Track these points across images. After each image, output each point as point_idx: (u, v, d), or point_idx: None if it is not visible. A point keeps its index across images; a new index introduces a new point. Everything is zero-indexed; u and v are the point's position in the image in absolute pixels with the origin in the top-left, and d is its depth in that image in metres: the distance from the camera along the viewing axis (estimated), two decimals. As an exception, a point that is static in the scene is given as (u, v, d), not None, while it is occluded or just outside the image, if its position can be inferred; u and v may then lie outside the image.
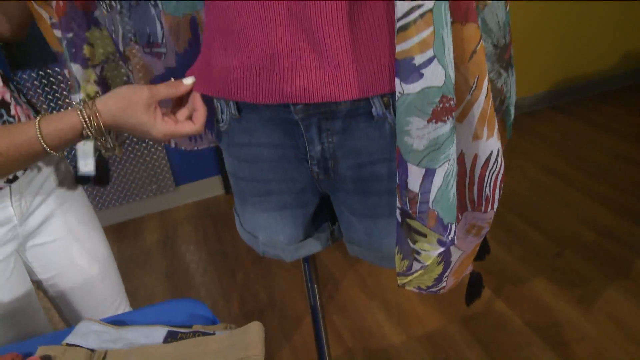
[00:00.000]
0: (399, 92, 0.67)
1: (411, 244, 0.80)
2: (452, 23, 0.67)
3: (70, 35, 0.96)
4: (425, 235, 0.78)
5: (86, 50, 0.98)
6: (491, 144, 0.76)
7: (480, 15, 0.76)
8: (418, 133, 0.69)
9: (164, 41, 0.91)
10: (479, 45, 0.69)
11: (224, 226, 2.57)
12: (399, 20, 0.63)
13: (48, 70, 2.27)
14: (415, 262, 0.82)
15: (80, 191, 1.14)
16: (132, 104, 0.79)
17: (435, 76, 0.65)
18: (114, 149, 0.85)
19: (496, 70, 0.82)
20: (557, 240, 2.12)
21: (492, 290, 1.92)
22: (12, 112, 0.95)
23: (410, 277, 0.86)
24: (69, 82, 1.02)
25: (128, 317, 0.87)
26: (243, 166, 0.92)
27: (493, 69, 0.82)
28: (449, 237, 0.78)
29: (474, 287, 1.07)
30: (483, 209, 0.83)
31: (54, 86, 2.30)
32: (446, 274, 0.88)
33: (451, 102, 0.68)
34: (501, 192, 0.82)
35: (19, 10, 0.99)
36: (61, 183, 1.09)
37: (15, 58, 2.23)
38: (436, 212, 0.75)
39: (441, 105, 0.67)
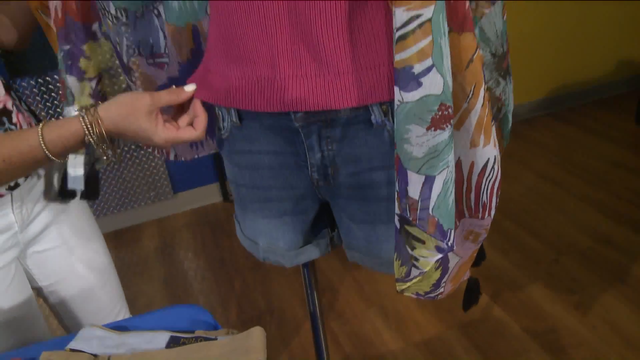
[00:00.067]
0: (398, 101, 0.68)
1: (410, 251, 0.81)
2: (450, 32, 0.68)
3: (67, 47, 0.96)
4: (423, 242, 0.79)
5: (82, 63, 0.98)
6: (488, 151, 0.76)
7: (478, 24, 0.77)
8: (417, 140, 0.70)
9: (166, 51, 0.92)
10: (476, 54, 0.70)
11: (222, 233, 2.58)
12: (397, 30, 0.64)
13: (47, 78, 2.27)
14: (413, 269, 0.83)
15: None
16: (133, 111, 0.79)
17: (434, 84, 0.66)
18: (114, 155, 0.85)
19: (495, 78, 0.83)
20: (554, 247, 2.13)
21: (490, 297, 1.92)
22: (14, 119, 0.95)
23: (409, 283, 0.86)
24: (60, 93, 1.01)
25: (130, 322, 0.87)
26: (244, 173, 0.93)
27: (492, 77, 0.83)
28: (448, 243, 0.78)
29: (471, 293, 1.07)
30: (480, 215, 0.84)
31: (52, 93, 2.30)
32: (444, 280, 0.88)
33: (449, 110, 0.69)
34: (498, 198, 0.83)
35: (25, 19, 1.00)
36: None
37: (14, 65, 2.23)
38: (436, 219, 0.76)
39: (440, 113, 0.68)
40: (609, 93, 3.32)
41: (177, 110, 0.88)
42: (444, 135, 0.70)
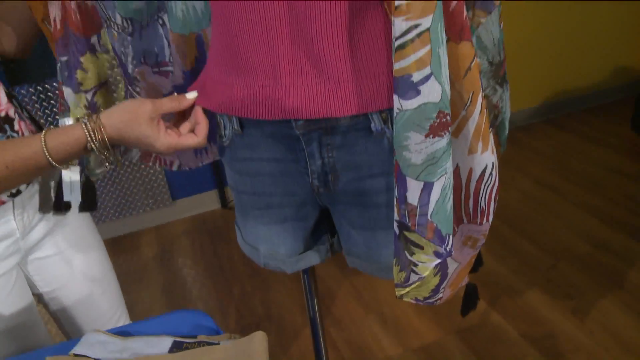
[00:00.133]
0: (397, 108, 0.69)
1: (409, 256, 0.81)
2: (448, 41, 0.69)
3: (64, 58, 0.97)
4: (422, 247, 0.79)
5: (79, 74, 0.98)
6: (486, 158, 0.77)
7: (475, 33, 0.79)
8: (416, 148, 0.71)
9: (170, 59, 0.93)
10: (474, 63, 0.71)
11: (220, 240, 2.58)
12: (397, 39, 0.65)
13: (46, 85, 2.27)
14: (412, 274, 0.83)
15: (81, 205, 1.15)
16: (136, 117, 0.80)
17: (433, 92, 0.67)
18: (117, 161, 0.86)
19: (492, 86, 0.84)
20: (552, 252, 2.14)
21: (488, 303, 1.93)
22: (16, 127, 0.96)
23: (408, 289, 0.87)
24: (59, 103, 1.01)
25: (133, 328, 0.87)
26: (245, 180, 0.94)
27: (489, 85, 0.84)
28: (447, 249, 0.79)
29: (469, 298, 1.08)
30: (479, 221, 0.85)
31: (52, 101, 2.31)
32: (443, 286, 0.89)
33: (447, 118, 0.70)
34: (496, 204, 0.84)
35: (28, 28, 1.01)
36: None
37: (13, 73, 2.23)
38: (434, 224, 0.76)
39: (438, 121, 0.69)
40: (604, 99, 3.34)
41: (179, 118, 0.88)
42: (442, 142, 0.71)
